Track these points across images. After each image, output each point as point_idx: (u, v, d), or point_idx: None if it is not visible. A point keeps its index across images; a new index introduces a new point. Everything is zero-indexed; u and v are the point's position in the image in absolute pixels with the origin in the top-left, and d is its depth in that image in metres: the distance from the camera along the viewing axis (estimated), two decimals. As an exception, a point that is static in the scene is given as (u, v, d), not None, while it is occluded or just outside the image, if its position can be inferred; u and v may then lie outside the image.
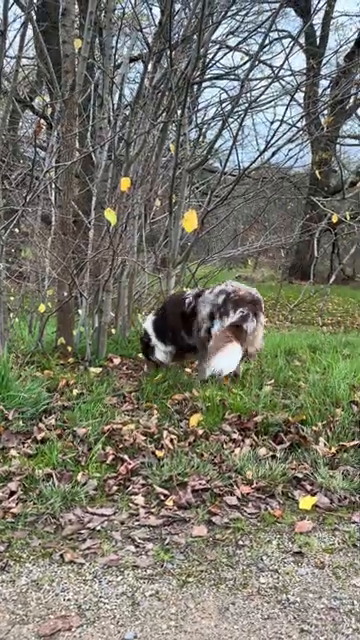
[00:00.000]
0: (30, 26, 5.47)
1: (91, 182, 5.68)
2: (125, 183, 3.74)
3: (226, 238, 10.46)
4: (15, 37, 6.43)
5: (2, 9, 4.11)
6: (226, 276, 11.07)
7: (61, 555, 2.42)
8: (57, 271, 4.79)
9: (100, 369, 4.49)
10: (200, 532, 2.61)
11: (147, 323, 4.61)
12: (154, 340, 4.51)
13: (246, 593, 2.26)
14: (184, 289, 5.08)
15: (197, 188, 8.33)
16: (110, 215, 3.65)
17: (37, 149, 7.84)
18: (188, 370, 4.78)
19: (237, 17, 8.75)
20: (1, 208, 4.63)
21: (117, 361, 4.88)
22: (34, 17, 7.02)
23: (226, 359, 3.80)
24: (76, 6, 6.26)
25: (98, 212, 5.51)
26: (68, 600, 2.19)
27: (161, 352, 4.52)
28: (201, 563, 2.42)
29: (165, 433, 3.38)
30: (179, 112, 4.75)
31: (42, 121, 5.23)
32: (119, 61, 7.47)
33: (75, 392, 3.98)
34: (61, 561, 2.40)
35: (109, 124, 5.44)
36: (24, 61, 10.03)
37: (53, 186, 5.22)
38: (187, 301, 4.45)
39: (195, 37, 5.02)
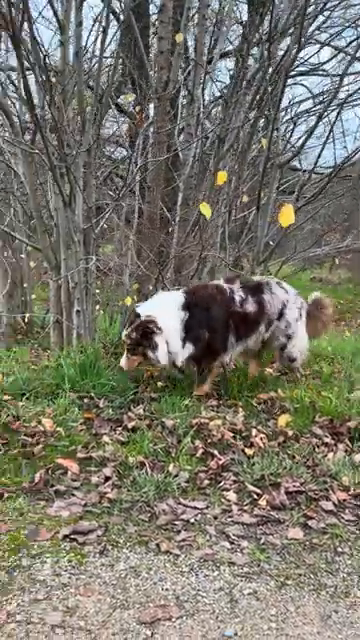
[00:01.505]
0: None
1: (177, 179, 5.71)
2: (222, 177, 3.72)
3: (304, 238, 10.20)
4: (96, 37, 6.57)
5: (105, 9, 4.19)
6: (300, 277, 10.81)
7: (157, 544, 2.43)
8: (144, 265, 4.85)
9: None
10: (296, 535, 2.54)
11: (165, 314, 3.75)
12: (172, 338, 3.76)
13: (349, 602, 2.17)
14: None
15: (277, 188, 8.19)
16: (205, 209, 3.64)
17: (125, 146, 7.99)
18: (269, 370, 4.69)
19: (325, 12, 8.54)
20: (94, 203, 4.76)
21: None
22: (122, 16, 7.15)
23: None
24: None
25: (183, 208, 5.54)
26: (166, 590, 2.19)
27: (173, 353, 3.80)
28: (299, 566, 2.36)
29: (254, 431, 3.33)
30: (272, 106, 4.66)
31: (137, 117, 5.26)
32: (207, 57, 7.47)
33: (160, 384, 4.02)
34: (157, 550, 2.40)
35: (198, 120, 5.45)
36: (108, 60, 10.27)
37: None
38: (237, 298, 3.89)
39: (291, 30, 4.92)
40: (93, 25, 4.81)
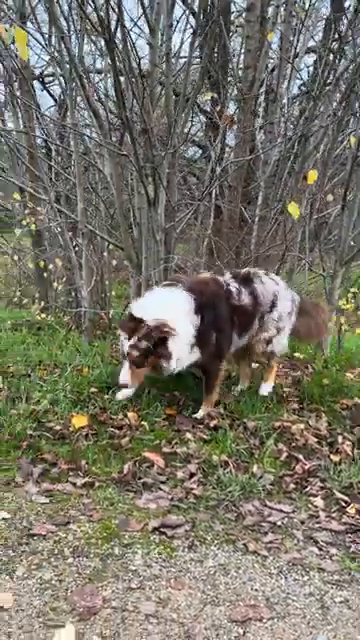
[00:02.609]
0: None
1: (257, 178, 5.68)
2: (312, 176, 3.66)
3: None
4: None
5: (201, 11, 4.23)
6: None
7: (244, 544, 2.44)
8: (223, 263, 4.87)
9: (257, 364, 4.48)
10: (387, 546, 2.46)
11: (174, 316, 3.21)
12: (181, 343, 3.24)
13: None
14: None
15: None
16: (293, 209, 3.60)
17: (203, 145, 8.01)
18: (349, 375, 4.56)
19: None
20: (176, 203, 4.82)
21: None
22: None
23: None
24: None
25: (263, 207, 5.50)
26: (255, 590, 2.19)
27: (181, 360, 3.32)
28: (392, 579, 2.29)
29: (340, 438, 3.26)
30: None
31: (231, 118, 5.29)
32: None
33: (240, 387, 4.01)
34: (245, 550, 2.42)
35: (282, 118, 5.38)
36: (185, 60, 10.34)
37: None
38: (234, 291, 3.51)
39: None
40: (175, 27, 4.87)
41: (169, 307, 3.26)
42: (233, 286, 3.54)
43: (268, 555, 2.39)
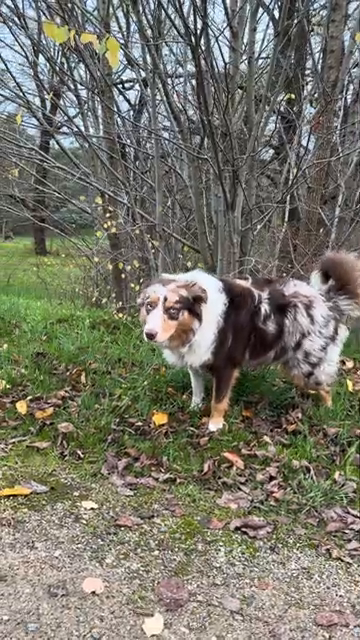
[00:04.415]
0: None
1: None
2: None
3: None
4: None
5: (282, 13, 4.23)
6: None
7: (327, 550, 2.43)
8: (300, 266, 4.83)
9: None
10: None
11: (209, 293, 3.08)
12: (208, 326, 3.11)
13: None
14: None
15: None
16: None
17: (279, 146, 7.96)
18: None
19: None
20: (254, 205, 4.84)
21: (350, 364, 4.73)
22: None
23: None
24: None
25: (344, 209, 5.40)
26: (340, 596, 2.18)
27: (196, 346, 3.16)
28: None
29: None
30: None
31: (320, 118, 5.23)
32: None
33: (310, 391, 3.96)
34: (328, 556, 2.40)
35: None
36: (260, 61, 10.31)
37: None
38: (262, 312, 3.30)
39: None
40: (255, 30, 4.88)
41: (205, 283, 3.13)
42: (264, 307, 3.33)
43: (352, 562, 2.36)
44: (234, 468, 2.96)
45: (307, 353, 3.47)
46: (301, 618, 2.07)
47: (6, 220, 22.78)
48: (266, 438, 3.27)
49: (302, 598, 2.17)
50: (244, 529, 2.51)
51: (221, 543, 2.44)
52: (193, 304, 2.99)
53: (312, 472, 2.90)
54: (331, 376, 3.63)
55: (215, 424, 3.33)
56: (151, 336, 2.86)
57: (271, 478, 2.88)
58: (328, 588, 2.22)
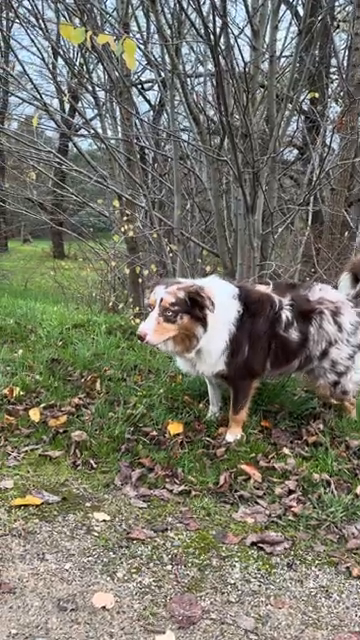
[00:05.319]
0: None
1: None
2: None
3: None
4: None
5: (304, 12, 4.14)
6: None
7: (347, 568, 2.33)
8: (323, 270, 4.72)
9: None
10: None
11: (220, 299, 2.94)
12: (219, 334, 2.99)
13: None
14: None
15: None
16: None
17: (303, 146, 7.84)
18: None
19: None
20: (275, 209, 4.75)
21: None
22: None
23: None
24: None
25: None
26: (361, 618, 2.08)
27: (206, 353, 3.04)
28: None
29: None
30: None
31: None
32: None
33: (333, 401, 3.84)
34: (348, 574, 2.30)
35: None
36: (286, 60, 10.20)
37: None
38: (283, 319, 3.12)
39: None
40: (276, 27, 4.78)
41: (218, 290, 3.01)
42: (286, 314, 3.14)
43: (374, 583, 2.26)
44: (251, 481, 2.86)
45: (334, 362, 3.31)
46: (318, 639, 1.97)
47: (24, 223, 22.96)
48: (285, 450, 3.16)
49: (320, 618, 2.07)
50: (261, 545, 2.42)
51: (236, 559, 2.36)
52: (194, 308, 2.86)
53: (333, 486, 2.80)
54: (359, 385, 3.50)
55: (232, 435, 3.22)
56: (141, 337, 2.80)
57: (290, 492, 2.78)
58: (347, 608, 2.13)
